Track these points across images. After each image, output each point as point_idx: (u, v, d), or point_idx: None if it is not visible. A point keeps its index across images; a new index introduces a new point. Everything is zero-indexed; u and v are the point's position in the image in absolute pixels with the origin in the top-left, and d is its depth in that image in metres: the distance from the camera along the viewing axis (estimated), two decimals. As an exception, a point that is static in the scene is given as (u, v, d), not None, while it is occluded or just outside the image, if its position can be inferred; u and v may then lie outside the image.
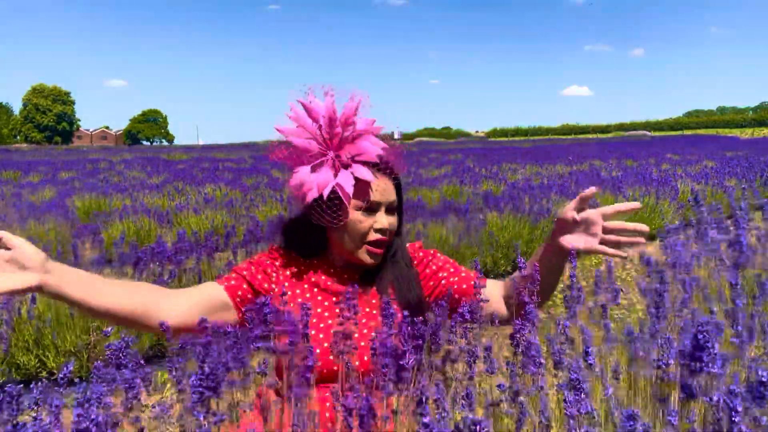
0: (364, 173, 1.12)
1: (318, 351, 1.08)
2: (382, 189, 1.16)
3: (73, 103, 75.64)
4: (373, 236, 1.16)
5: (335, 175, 1.12)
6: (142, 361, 0.80)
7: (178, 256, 3.17)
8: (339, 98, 1.12)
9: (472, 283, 1.07)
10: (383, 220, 1.16)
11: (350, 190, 1.11)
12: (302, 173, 1.12)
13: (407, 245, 1.29)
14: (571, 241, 1.10)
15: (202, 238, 3.81)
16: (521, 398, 0.87)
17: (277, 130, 1.13)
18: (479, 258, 4.11)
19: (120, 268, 3.09)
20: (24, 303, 2.70)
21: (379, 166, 1.16)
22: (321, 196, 1.11)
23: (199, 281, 3.11)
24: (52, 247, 4.06)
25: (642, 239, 1.06)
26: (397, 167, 1.20)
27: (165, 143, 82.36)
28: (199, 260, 3.38)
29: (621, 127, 67.96)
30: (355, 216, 1.15)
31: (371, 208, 1.16)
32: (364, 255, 1.17)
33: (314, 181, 1.11)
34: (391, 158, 1.19)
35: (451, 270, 1.23)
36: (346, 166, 1.14)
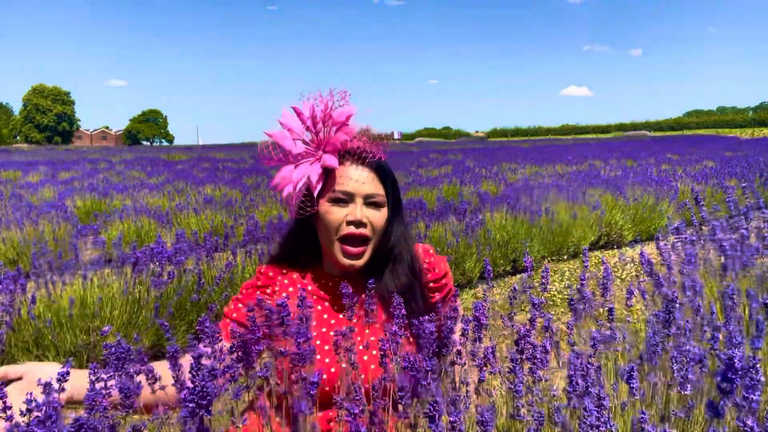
0: (328, 160, 1.08)
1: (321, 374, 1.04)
2: (357, 179, 1.09)
3: (73, 103, 75.58)
4: (345, 229, 1.07)
5: None
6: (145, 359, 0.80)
7: (177, 256, 3.17)
8: (335, 100, 1.12)
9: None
10: (357, 211, 1.07)
11: (315, 178, 1.08)
12: (283, 171, 1.11)
13: (417, 246, 1.19)
14: None
15: (201, 239, 3.81)
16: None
17: (266, 134, 1.12)
18: (477, 257, 4.11)
19: (119, 268, 3.08)
20: (24, 304, 2.69)
21: (359, 156, 1.10)
22: (307, 192, 1.10)
23: (199, 282, 3.11)
24: (51, 247, 4.06)
25: None
26: (377, 155, 1.12)
27: (165, 143, 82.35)
28: (199, 261, 3.38)
29: (621, 127, 67.98)
30: (324, 207, 1.09)
31: (342, 199, 1.09)
32: (339, 254, 1.09)
33: (290, 177, 1.09)
34: (371, 148, 1.13)
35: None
36: None
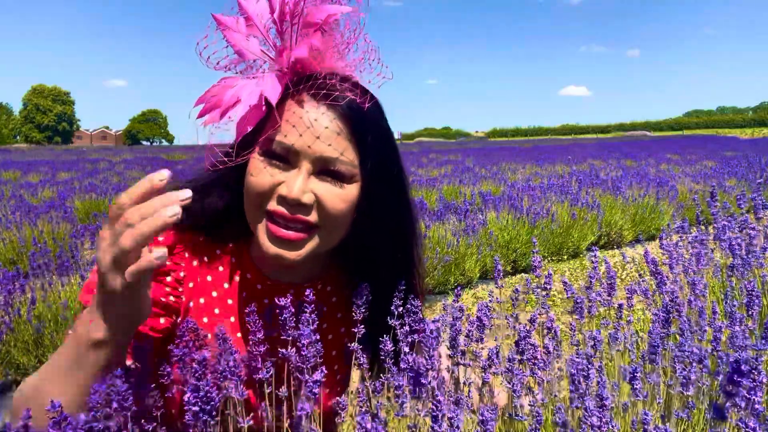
0: (267, 85, 0.66)
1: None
2: (310, 126, 0.65)
3: (73, 103, 75.73)
4: (273, 205, 0.66)
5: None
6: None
7: (177, 256, 3.16)
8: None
9: None
10: (295, 183, 0.65)
11: (242, 109, 0.65)
12: (218, 86, 0.68)
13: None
14: None
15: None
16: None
17: (213, 17, 0.71)
18: (478, 257, 4.11)
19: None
20: (23, 304, 2.70)
21: (321, 89, 0.66)
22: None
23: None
24: (50, 247, 4.06)
25: None
26: (354, 94, 0.67)
27: (165, 143, 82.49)
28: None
29: (621, 127, 68.18)
30: (253, 162, 0.68)
31: (280, 156, 0.66)
32: (263, 235, 0.68)
33: (222, 96, 0.67)
34: (349, 77, 0.70)
35: None
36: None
